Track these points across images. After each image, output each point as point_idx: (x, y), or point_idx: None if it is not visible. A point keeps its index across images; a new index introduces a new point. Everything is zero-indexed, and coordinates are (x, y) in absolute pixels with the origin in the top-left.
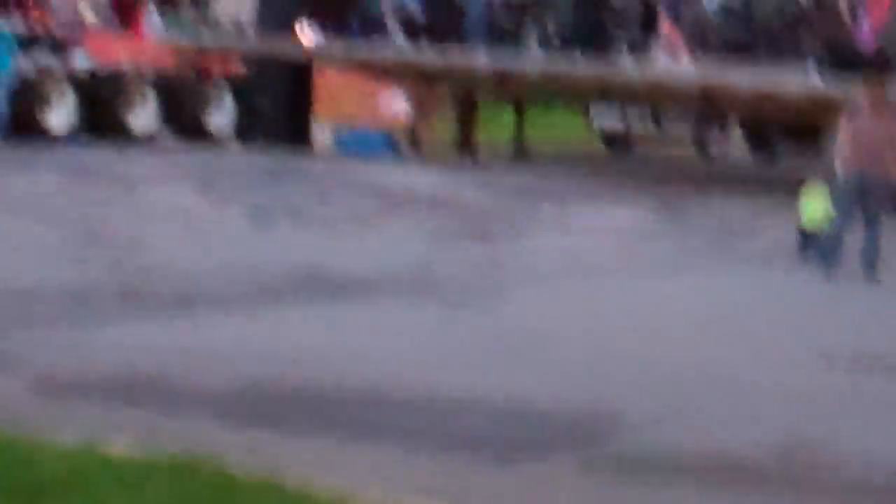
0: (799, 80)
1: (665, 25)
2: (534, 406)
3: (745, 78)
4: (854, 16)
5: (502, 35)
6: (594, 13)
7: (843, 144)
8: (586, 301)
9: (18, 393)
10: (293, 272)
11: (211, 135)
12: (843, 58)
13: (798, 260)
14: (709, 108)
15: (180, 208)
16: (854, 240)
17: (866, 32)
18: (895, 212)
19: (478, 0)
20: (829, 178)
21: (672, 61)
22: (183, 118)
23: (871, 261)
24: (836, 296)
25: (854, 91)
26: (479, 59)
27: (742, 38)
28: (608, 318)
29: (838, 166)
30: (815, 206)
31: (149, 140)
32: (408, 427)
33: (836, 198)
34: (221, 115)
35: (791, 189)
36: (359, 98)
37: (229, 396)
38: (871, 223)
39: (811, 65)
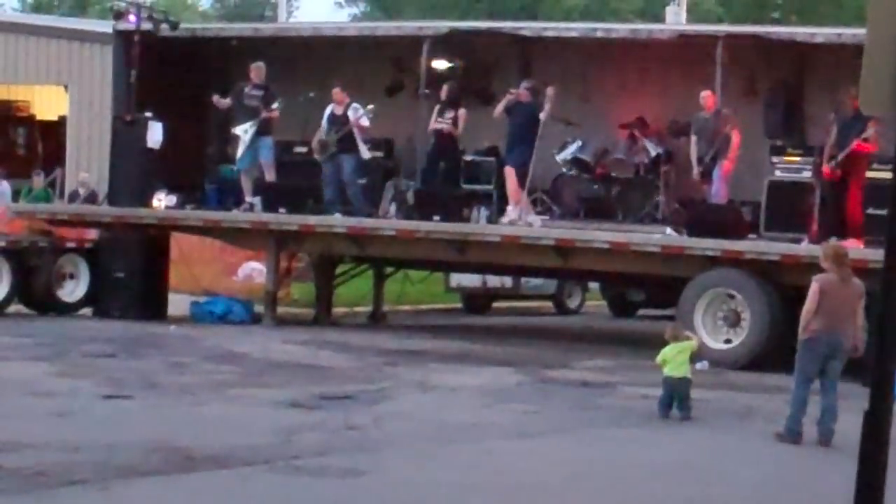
0: (654, 236)
1: (511, 182)
2: None
3: (601, 234)
4: (706, 168)
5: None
6: (451, 172)
7: (811, 308)
8: (449, 467)
9: None
10: (149, 446)
11: (64, 304)
12: (695, 213)
13: (659, 412)
14: (566, 264)
15: (32, 381)
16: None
17: (718, 184)
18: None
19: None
20: (686, 331)
21: (523, 218)
22: (35, 288)
23: (828, 424)
24: (701, 452)
25: (821, 256)
26: (336, 220)
27: (596, 192)
28: (472, 485)
29: (802, 330)
30: (674, 357)
31: None
32: None
33: (800, 363)
34: (75, 285)
35: (648, 345)
36: (215, 264)
37: None
38: (830, 386)
39: (666, 220)
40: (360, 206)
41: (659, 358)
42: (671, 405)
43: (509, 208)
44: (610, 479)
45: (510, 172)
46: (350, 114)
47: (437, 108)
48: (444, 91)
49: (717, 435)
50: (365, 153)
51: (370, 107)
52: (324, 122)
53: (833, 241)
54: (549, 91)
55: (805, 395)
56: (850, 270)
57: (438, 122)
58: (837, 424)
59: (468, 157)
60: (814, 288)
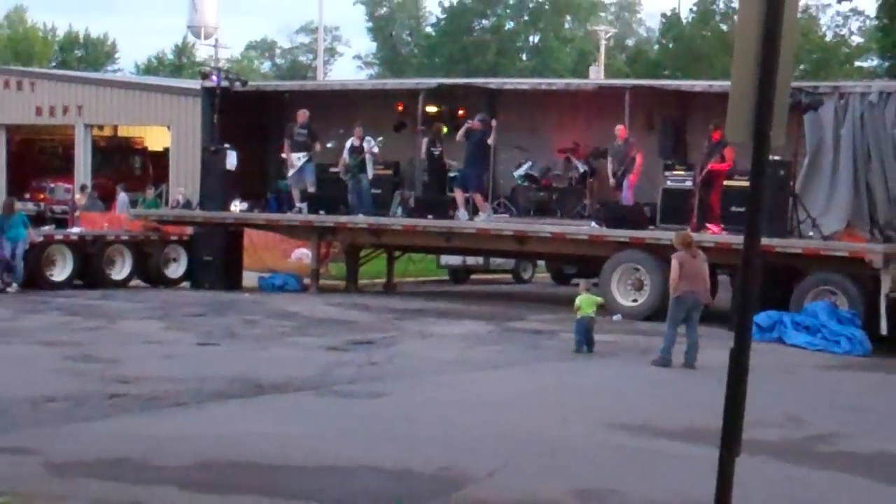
0: (583, 228)
1: (474, 199)
2: (409, 468)
3: (546, 227)
4: (618, 180)
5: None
6: (440, 185)
7: (675, 276)
8: (441, 389)
9: (33, 472)
10: (230, 378)
11: (169, 279)
12: (611, 211)
13: (575, 347)
14: (521, 248)
15: (148, 334)
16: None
17: (627, 191)
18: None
19: (359, 179)
20: (597, 288)
21: (487, 217)
22: (149, 269)
23: (693, 353)
24: (617, 377)
25: (674, 241)
26: (360, 219)
27: (542, 198)
28: (458, 401)
29: (672, 291)
30: (587, 303)
31: (124, 285)
32: (315, 487)
33: (671, 313)
34: (177, 266)
35: None
36: (275, 250)
37: (188, 470)
38: (693, 327)
39: (591, 217)
40: (369, 209)
41: (577, 303)
42: (583, 343)
43: (482, 214)
44: (553, 397)
45: (468, 196)
46: (365, 145)
47: (427, 139)
48: (434, 128)
49: (626, 365)
50: (370, 174)
51: (379, 139)
52: (345, 152)
53: (684, 231)
54: (493, 123)
55: (674, 335)
56: (696, 248)
57: (431, 150)
58: (706, 357)
59: (452, 174)
60: (674, 262)
